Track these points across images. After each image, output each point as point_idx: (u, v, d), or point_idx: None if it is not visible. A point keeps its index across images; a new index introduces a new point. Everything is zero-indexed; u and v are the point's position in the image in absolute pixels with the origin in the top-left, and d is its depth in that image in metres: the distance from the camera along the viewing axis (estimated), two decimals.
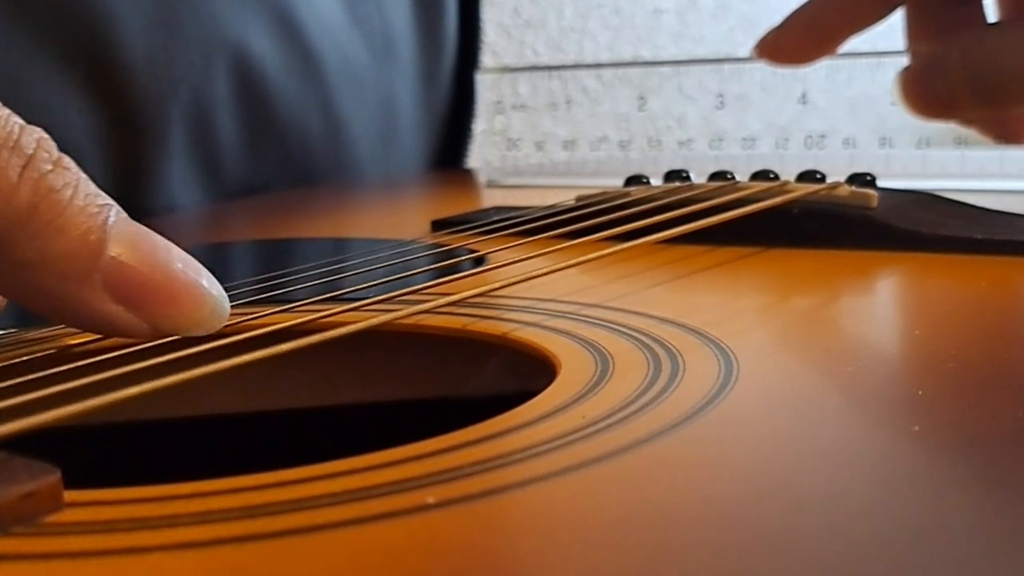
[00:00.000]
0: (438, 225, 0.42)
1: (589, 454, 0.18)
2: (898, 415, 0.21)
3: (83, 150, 0.52)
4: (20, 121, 0.22)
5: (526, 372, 0.26)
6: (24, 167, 0.22)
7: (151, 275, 0.22)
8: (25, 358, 0.24)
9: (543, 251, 0.31)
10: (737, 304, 0.30)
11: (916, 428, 0.20)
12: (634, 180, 0.43)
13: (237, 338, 0.22)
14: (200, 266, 0.23)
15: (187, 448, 0.31)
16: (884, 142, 0.51)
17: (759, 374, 0.23)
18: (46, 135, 0.23)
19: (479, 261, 0.34)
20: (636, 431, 0.19)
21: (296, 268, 0.34)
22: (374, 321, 0.24)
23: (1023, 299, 0.30)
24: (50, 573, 0.15)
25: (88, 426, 0.24)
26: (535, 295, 0.30)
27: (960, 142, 0.49)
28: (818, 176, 0.39)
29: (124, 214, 0.23)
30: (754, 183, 0.39)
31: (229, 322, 0.23)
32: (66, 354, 0.23)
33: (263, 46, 0.59)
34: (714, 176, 0.41)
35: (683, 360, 0.23)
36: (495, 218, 0.40)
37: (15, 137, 0.22)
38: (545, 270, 0.28)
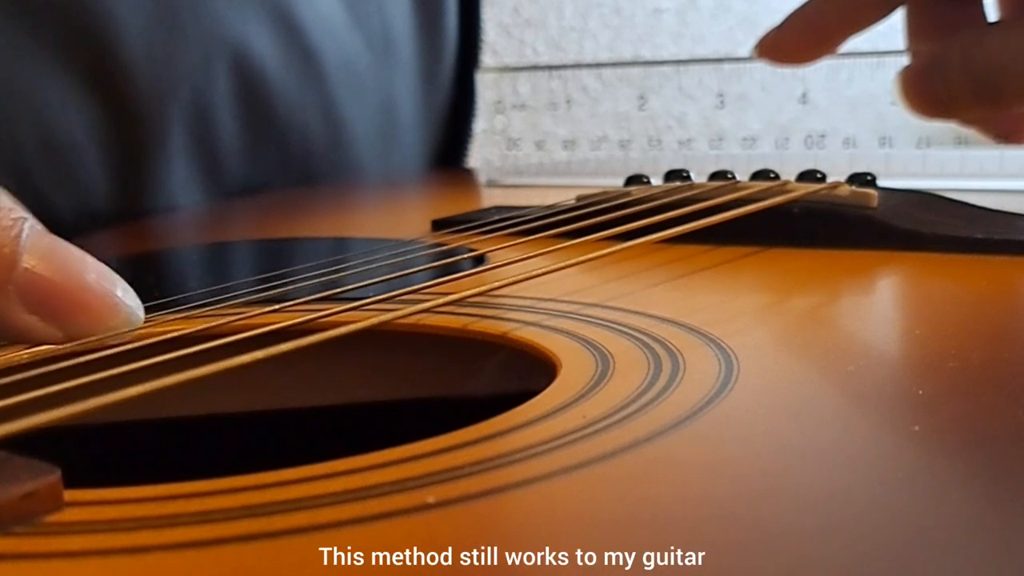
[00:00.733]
0: (438, 225, 0.42)
1: (589, 454, 0.18)
2: (898, 415, 0.21)
3: (83, 150, 0.53)
4: None
5: (526, 372, 0.26)
6: None
7: (63, 285, 0.23)
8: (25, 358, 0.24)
9: (543, 251, 0.31)
10: (737, 304, 0.30)
11: (916, 428, 0.20)
12: (634, 180, 0.43)
13: (237, 338, 0.22)
14: (115, 276, 0.23)
15: (187, 448, 0.31)
16: (884, 142, 0.51)
17: (759, 374, 0.23)
18: None
19: (479, 261, 0.34)
20: (636, 431, 0.19)
21: (296, 267, 0.34)
22: (374, 321, 0.24)
23: (1023, 299, 0.30)
24: (50, 573, 0.15)
25: (88, 426, 0.24)
26: (535, 295, 0.30)
27: (960, 142, 0.49)
28: (818, 176, 0.39)
29: (39, 227, 0.23)
30: (754, 183, 0.39)
31: (230, 322, 0.23)
32: (66, 353, 0.23)
33: (263, 46, 0.59)
34: (714, 176, 0.41)
35: (683, 360, 0.23)
36: (495, 218, 0.40)
37: None
38: (545, 270, 0.28)
